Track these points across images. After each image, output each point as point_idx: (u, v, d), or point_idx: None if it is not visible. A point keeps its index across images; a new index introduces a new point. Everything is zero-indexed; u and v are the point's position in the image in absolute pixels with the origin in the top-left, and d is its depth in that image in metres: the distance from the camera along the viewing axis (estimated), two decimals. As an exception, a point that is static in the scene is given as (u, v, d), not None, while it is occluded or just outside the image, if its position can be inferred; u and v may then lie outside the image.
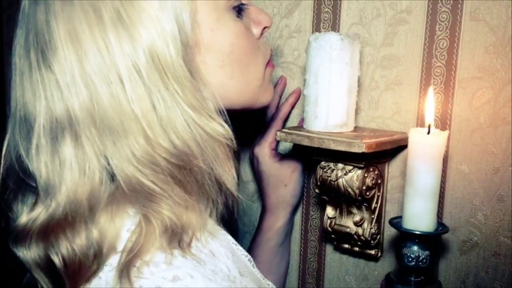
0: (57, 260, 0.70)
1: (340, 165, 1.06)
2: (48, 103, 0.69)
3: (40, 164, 0.71)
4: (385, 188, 1.12)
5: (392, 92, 1.09)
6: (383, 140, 1.00)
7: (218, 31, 0.75)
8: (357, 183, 1.05)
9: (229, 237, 0.83)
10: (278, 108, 1.19)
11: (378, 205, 1.11)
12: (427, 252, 0.87)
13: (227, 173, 0.76)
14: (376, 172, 1.08)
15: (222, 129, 0.73)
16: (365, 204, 1.10)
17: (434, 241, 0.90)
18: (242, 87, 0.81)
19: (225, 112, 0.75)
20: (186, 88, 0.70)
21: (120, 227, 0.71)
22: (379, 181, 1.10)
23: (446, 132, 0.87)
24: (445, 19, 1.01)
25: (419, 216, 0.86)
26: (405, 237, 0.89)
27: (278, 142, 1.19)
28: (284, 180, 1.15)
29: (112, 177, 0.72)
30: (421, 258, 0.86)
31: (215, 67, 0.77)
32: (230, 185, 0.77)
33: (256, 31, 0.86)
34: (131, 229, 0.71)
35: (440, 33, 1.02)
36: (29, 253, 0.72)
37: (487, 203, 1.01)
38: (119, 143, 0.69)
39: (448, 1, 1.00)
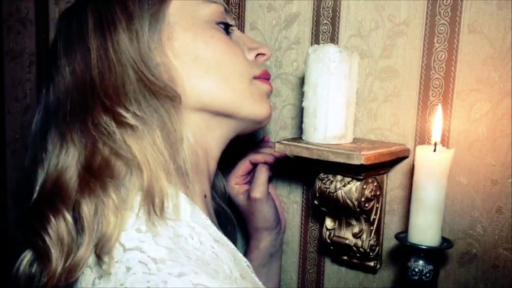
0: (48, 240, 0.75)
1: (339, 177, 1.06)
2: (46, 96, 0.84)
3: (38, 153, 0.83)
4: (384, 200, 1.12)
5: (391, 103, 1.09)
6: (381, 152, 1.00)
7: (192, 31, 0.84)
8: (356, 194, 1.05)
9: (231, 244, 0.85)
10: (256, 150, 1.20)
11: (377, 216, 1.11)
12: (430, 267, 0.87)
13: (174, 132, 0.81)
14: (375, 184, 1.08)
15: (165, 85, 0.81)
16: (364, 215, 1.10)
17: (438, 256, 0.90)
18: (220, 84, 0.86)
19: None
20: (142, 63, 0.80)
21: (95, 211, 0.76)
22: (377, 193, 1.10)
23: (452, 150, 0.88)
24: (443, 31, 1.01)
25: (424, 231, 0.86)
26: (410, 251, 0.89)
27: (247, 174, 1.20)
28: (250, 209, 1.17)
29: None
30: (424, 272, 0.86)
31: (189, 60, 0.84)
32: (180, 148, 0.82)
33: (250, 56, 0.93)
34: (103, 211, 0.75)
35: (438, 45, 1.02)
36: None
37: (485, 215, 1.01)
38: (85, 117, 0.79)
39: (446, 14, 1.00)
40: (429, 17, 1.03)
